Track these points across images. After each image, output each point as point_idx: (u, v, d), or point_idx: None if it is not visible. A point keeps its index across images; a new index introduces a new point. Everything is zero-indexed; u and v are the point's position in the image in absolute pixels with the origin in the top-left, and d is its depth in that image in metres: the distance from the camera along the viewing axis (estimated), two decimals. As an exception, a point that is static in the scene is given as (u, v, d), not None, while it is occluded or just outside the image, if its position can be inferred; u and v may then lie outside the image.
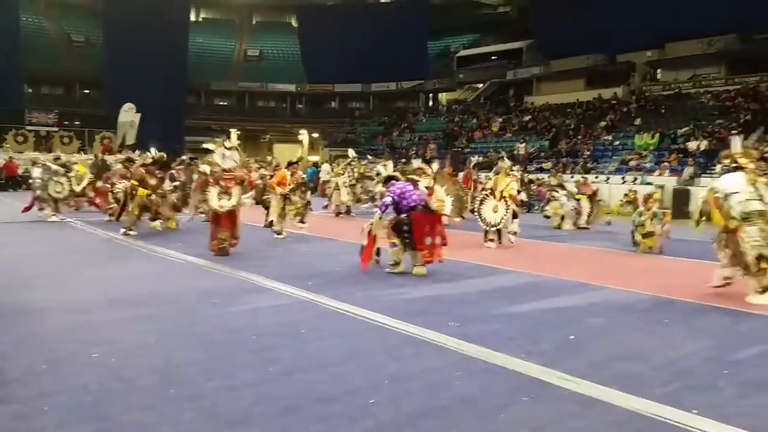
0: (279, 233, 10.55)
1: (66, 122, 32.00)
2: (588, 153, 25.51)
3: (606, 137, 26.72)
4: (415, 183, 7.62)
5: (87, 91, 43.51)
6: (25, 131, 30.65)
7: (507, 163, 11.08)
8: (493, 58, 39.24)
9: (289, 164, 11.28)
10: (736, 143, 6.63)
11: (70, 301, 5.59)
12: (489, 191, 10.19)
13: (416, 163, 9.06)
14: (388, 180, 7.96)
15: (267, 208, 11.55)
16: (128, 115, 32.01)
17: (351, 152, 17.35)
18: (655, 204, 9.80)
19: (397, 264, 7.37)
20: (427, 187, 7.90)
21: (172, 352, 4.16)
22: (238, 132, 48.06)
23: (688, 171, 19.90)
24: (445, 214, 7.90)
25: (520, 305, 5.86)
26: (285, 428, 3.00)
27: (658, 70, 32.04)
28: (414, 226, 7.19)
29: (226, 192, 8.36)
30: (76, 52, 43.15)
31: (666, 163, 21.64)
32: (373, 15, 42.65)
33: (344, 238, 10.48)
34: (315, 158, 9.81)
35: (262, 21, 51.83)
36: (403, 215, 7.28)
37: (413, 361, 4.10)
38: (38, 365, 3.80)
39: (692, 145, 22.45)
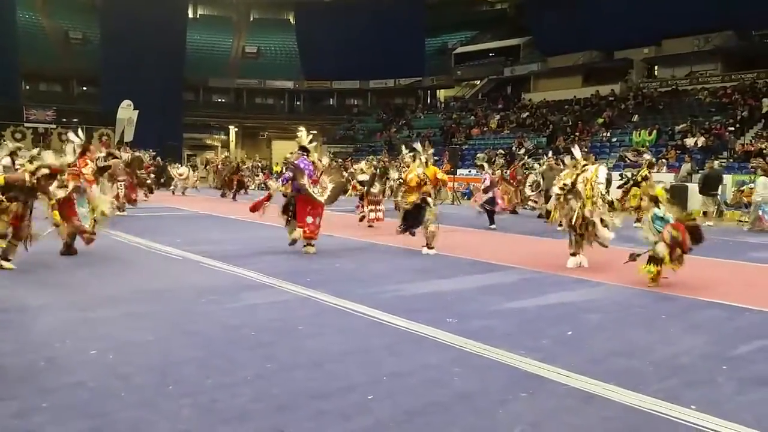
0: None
1: (64, 119, 31.92)
2: (586, 149, 25.53)
3: (604, 134, 26.75)
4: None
5: (85, 88, 43.43)
6: (23, 128, 30.60)
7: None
8: (490, 54, 39.25)
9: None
10: (577, 151, 8.20)
11: (68, 298, 5.58)
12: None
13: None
14: (302, 149, 8.64)
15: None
16: (126, 111, 31.94)
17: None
18: None
19: (295, 241, 8.41)
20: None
21: (169, 349, 4.15)
22: (236, 129, 48.17)
23: (686, 167, 19.87)
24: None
25: (519, 301, 5.87)
26: (281, 425, 2.99)
27: (655, 67, 32.05)
28: (297, 206, 8.36)
29: (64, 185, 8.14)
30: (74, 48, 43.04)
31: (664, 160, 21.64)
32: (371, 12, 42.47)
33: (342, 234, 10.50)
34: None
35: (259, 18, 51.71)
36: (291, 194, 8.45)
37: (411, 357, 4.10)
38: (38, 362, 3.79)
39: (690, 141, 22.48)
